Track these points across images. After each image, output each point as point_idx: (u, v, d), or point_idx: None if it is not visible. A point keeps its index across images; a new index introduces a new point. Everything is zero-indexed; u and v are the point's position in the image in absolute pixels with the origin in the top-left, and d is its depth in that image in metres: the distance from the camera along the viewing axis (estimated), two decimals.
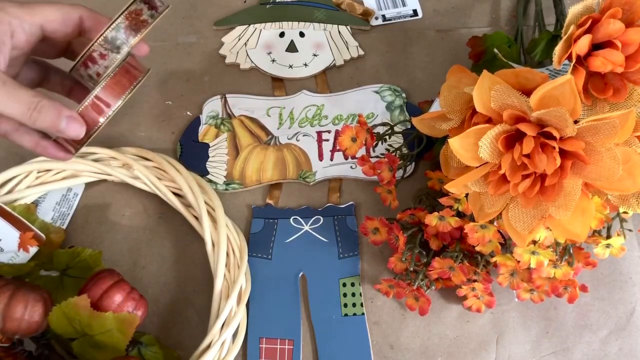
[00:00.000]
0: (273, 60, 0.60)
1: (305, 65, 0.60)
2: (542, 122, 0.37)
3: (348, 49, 0.61)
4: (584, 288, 0.47)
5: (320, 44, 0.61)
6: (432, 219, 0.45)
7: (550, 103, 0.36)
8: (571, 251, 0.45)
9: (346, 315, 0.50)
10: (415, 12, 0.64)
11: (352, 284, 0.51)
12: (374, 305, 0.50)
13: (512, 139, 0.38)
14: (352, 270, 0.51)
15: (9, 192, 0.51)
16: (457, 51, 0.61)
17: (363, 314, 0.50)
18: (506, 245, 0.46)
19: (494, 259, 0.45)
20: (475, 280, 0.47)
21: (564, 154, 0.37)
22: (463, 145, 0.39)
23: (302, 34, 0.61)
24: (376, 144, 0.49)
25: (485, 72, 0.38)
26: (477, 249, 0.45)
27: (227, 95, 0.59)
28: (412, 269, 0.47)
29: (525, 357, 0.49)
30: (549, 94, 0.36)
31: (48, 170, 0.52)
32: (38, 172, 0.52)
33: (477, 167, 0.40)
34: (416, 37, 0.62)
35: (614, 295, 0.51)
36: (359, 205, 0.54)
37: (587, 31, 0.37)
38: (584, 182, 0.37)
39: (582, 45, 0.37)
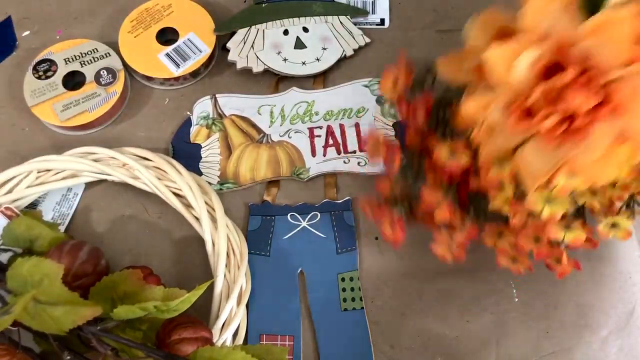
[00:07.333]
0: (285, 60, 0.59)
1: (318, 60, 0.60)
2: (589, 58, 0.33)
3: (354, 37, 0.61)
4: (576, 265, 0.43)
5: (327, 37, 0.60)
6: (442, 151, 0.41)
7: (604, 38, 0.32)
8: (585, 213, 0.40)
9: (345, 309, 0.50)
10: (382, 22, 0.63)
11: (351, 279, 0.51)
12: (374, 305, 0.50)
13: (549, 71, 0.34)
14: (350, 265, 0.51)
15: (9, 192, 0.51)
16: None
17: (362, 307, 0.50)
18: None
19: (493, 203, 0.41)
20: (455, 228, 0.43)
21: (603, 95, 0.33)
22: (505, 54, 0.34)
23: (305, 29, 0.61)
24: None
25: None
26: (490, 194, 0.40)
27: (217, 95, 0.59)
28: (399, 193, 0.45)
29: (525, 357, 0.49)
30: (605, 24, 0.32)
31: (48, 170, 0.52)
32: (38, 172, 0.52)
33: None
34: (416, 37, 0.62)
35: (614, 295, 0.51)
36: (356, 200, 0.54)
37: None
38: (616, 132, 0.33)
39: None
